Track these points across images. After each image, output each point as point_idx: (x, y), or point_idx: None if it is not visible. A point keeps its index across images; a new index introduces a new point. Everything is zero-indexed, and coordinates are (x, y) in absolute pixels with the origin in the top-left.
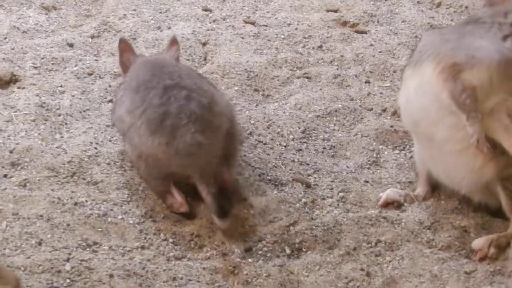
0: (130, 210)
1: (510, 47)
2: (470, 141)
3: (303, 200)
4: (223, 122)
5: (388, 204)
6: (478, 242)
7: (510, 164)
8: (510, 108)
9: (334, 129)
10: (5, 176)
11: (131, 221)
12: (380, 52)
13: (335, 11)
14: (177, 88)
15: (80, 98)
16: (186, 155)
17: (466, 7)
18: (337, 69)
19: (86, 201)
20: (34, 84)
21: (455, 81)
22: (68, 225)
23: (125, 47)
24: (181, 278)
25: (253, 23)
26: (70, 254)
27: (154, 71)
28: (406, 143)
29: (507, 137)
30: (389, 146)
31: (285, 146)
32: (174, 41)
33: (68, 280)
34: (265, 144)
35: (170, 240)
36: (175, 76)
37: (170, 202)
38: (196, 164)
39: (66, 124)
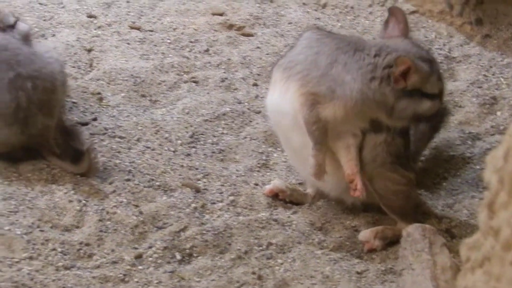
0: (17, 220)
1: (373, 88)
2: (309, 170)
3: (193, 205)
4: (63, 93)
5: (276, 195)
6: (364, 234)
7: (366, 162)
8: (357, 130)
9: (222, 133)
10: None
11: (18, 232)
12: (267, 54)
13: (221, 14)
14: (21, 79)
15: None
16: (37, 137)
17: (352, 7)
18: (225, 72)
19: None
20: None
21: (311, 110)
22: None
23: None
24: None
25: (138, 29)
26: None
27: None
28: None
29: (346, 155)
30: (278, 148)
31: (173, 151)
32: None
33: None
34: (153, 150)
35: (59, 249)
36: (14, 64)
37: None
38: (44, 141)
39: None
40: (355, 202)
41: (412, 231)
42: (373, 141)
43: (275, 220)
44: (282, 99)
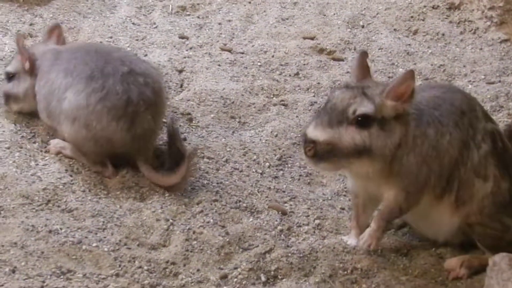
0: (104, 237)
1: None
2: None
3: (279, 227)
4: (166, 101)
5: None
6: (450, 262)
7: (472, 213)
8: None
9: None
10: None
11: (105, 249)
12: None
13: (312, 38)
14: (133, 74)
15: None
16: (140, 140)
17: (443, 35)
18: (314, 96)
19: (61, 228)
20: (9, 111)
21: None
22: (42, 252)
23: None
24: None
25: (229, 51)
26: (44, 282)
27: (104, 57)
28: None
29: (381, 208)
30: None
31: (261, 174)
32: (54, 28)
33: None
34: (241, 171)
35: (145, 267)
36: (127, 62)
37: (101, 169)
38: (145, 147)
39: (41, 151)
40: (447, 239)
41: (498, 261)
42: (481, 193)
43: None
44: None
